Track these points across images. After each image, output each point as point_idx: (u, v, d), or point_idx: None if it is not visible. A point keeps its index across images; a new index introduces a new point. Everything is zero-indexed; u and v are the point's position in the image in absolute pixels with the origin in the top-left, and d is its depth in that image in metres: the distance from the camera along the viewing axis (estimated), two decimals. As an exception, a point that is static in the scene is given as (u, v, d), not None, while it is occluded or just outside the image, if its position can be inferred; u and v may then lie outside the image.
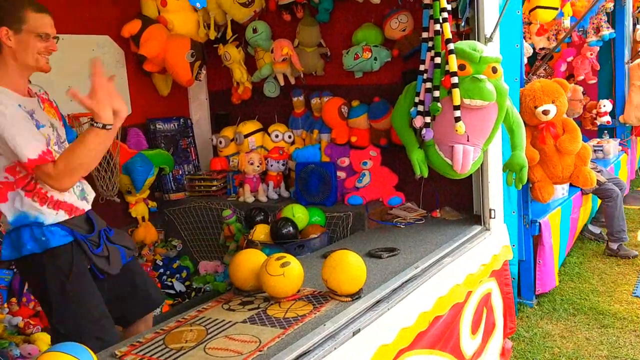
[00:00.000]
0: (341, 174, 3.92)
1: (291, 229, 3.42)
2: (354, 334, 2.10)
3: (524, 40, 4.38)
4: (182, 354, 1.88)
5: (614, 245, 4.85)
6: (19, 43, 2.08)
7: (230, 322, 2.13)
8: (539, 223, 4.02)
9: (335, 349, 1.99)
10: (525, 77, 4.14)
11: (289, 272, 2.28)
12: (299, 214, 3.55)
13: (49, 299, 2.21)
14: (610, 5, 6.25)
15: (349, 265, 2.28)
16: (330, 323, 2.08)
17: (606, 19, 6.22)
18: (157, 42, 3.95)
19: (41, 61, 2.16)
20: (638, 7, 7.52)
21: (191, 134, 4.57)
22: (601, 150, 6.07)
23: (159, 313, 3.51)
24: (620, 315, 3.78)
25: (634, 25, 7.09)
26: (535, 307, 4.04)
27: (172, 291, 3.94)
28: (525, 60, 5.40)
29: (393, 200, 3.79)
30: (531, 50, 5.30)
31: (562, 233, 4.46)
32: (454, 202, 3.69)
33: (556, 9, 4.76)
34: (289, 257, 2.33)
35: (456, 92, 2.88)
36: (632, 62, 6.69)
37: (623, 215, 4.84)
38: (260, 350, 1.87)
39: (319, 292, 2.38)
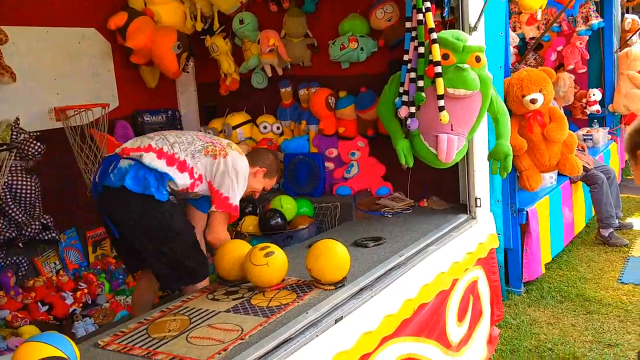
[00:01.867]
0: (329, 165, 3.93)
1: (279, 220, 3.44)
2: (337, 321, 2.12)
3: (509, 30, 4.38)
4: (164, 343, 1.89)
5: (605, 232, 4.88)
6: (260, 182, 2.87)
7: (214, 311, 2.15)
8: (526, 212, 4.04)
9: (317, 336, 2.01)
10: (511, 67, 4.15)
11: (272, 262, 2.30)
12: (287, 205, 3.56)
13: (155, 230, 2.50)
14: (600, -6, 6.28)
15: (332, 254, 2.30)
16: (312, 311, 2.10)
17: (595, 8, 6.24)
18: (144, 34, 3.94)
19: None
20: (627, -4, 7.54)
21: (179, 126, 4.57)
22: (591, 139, 6.10)
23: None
24: (606, 302, 3.81)
25: (623, 14, 7.10)
26: (523, 294, 4.06)
27: (162, 283, 3.94)
28: (514, 50, 5.42)
29: (381, 191, 3.81)
30: (517, 40, 5.31)
31: (552, 222, 4.48)
32: (442, 191, 3.70)
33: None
34: (273, 247, 2.34)
35: (440, 81, 2.88)
36: (620, 51, 6.70)
37: (611, 201, 4.86)
38: (242, 339, 1.89)
39: (304, 282, 2.40)
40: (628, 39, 6.80)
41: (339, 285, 2.32)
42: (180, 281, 2.61)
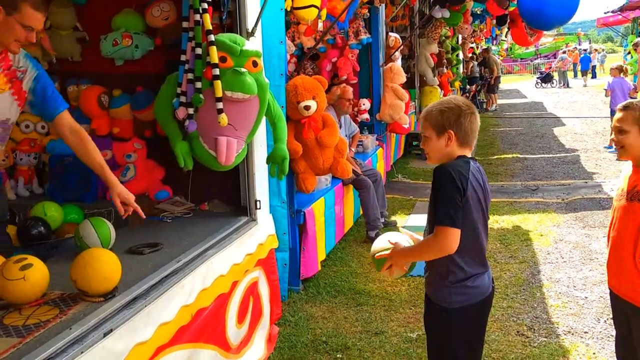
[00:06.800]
0: (103, 168, 3.66)
1: (42, 229, 3.09)
2: (105, 335, 1.97)
3: (287, 39, 4.56)
4: None
5: (372, 234, 5.34)
6: (5, 23, 2.28)
7: (-47, 337, 1.85)
8: (304, 212, 4.23)
9: (82, 352, 1.85)
10: (288, 74, 4.32)
11: (30, 275, 2.06)
12: (52, 212, 3.22)
13: None
14: (367, 12, 6.88)
15: (99, 263, 2.14)
16: (77, 326, 1.92)
17: (364, 25, 6.83)
18: None
19: (13, 45, 2.36)
20: (390, 17, 8.41)
21: None
22: (362, 144, 6.64)
23: None
24: (373, 293, 4.17)
25: (387, 32, 7.90)
26: (302, 292, 4.25)
27: None
28: (294, 59, 5.66)
29: (160, 194, 3.66)
30: (294, 48, 5.56)
31: (326, 221, 4.77)
32: (223, 194, 3.69)
33: (316, 7, 4.99)
34: (31, 259, 2.11)
35: (218, 84, 2.87)
36: (385, 66, 7.43)
37: (377, 204, 5.35)
38: (-12, 365, 1.65)
39: (69, 295, 2.19)
40: (392, 55, 7.58)
41: (109, 296, 2.17)
42: None
